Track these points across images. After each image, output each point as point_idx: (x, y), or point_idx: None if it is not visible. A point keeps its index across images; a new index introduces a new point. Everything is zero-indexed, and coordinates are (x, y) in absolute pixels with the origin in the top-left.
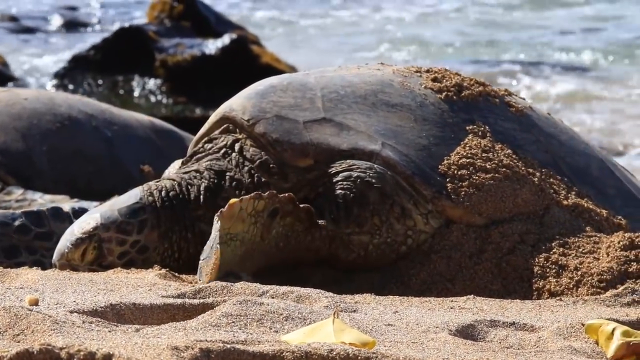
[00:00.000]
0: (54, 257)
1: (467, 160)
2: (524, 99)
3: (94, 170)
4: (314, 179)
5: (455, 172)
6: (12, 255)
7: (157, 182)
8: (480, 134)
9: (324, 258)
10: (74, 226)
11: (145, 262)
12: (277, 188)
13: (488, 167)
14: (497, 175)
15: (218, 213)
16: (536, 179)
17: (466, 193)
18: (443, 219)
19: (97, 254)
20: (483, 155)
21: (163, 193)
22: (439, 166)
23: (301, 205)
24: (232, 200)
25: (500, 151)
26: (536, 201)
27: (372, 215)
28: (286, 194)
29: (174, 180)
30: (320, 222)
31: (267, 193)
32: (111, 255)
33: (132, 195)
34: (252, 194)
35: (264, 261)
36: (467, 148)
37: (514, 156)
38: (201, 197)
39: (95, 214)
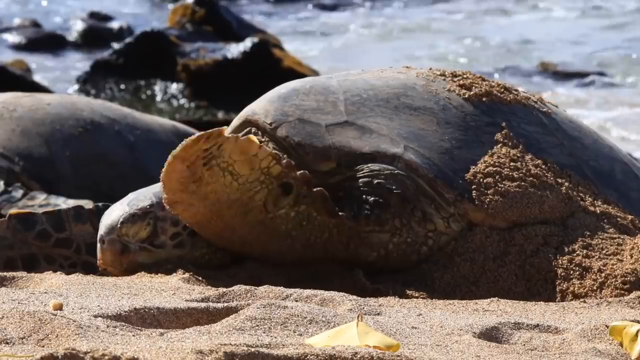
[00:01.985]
0: (102, 231)
1: (494, 169)
2: (549, 102)
3: (117, 175)
4: (335, 184)
5: (481, 180)
6: (31, 266)
7: None
8: (508, 142)
9: (344, 260)
10: (125, 203)
11: (194, 247)
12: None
13: (515, 176)
14: (523, 183)
15: (228, 131)
16: (564, 187)
17: (490, 198)
18: (465, 223)
19: (150, 231)
20: (511, 164)
21: None
22: (463, 171)
23: (315, 189)
24: (252, 138)
25: (530, 161)
26: (563, 208)
27: (393, 217)
28: (302, 171)
29: None
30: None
31: (285, 161)
32: (164, 235)
33: None
34: (274, 152)
35: (273, 246)
36: (495, 157)
37: (543, 166)
38: None
39: (147, 193)
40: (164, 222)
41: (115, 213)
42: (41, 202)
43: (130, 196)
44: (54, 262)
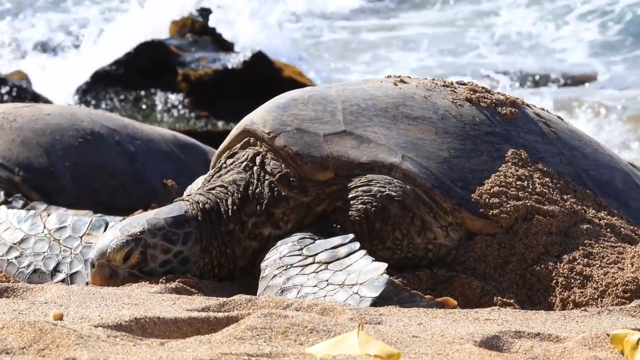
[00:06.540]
0: (93, 255)
1: (500, 189)
2: (547, 111)
3: (117, 185)
4: (333, 193)
5: (487, 200)
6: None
7: (191, 196)
8: (517, 160)
9: None
10: (118, 228)
11: (185, 274)
12: (297, 202)
13: (520, 195)
14: (528, 202)
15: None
16: (568, 203)
17: (489, 205)
18: (463, 232)
19: (140, 258)
20: (517, 183)
21: (201, 206)
22: (461, 180)
23: None
24: None
25: (537, 180)
26: (569, 221)
27: (393, 230)
28: None
29: (203, 195)
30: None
31: None
32: (154, 262)
33: (177, 208)
34: None
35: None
36: (502, 177)
37: (550, 184)
38: (229, 211)
39: (140, 220)
40: (154, 249)
41: (107, 237)
42: (41, 212)
43: (125, 221)
44: None
